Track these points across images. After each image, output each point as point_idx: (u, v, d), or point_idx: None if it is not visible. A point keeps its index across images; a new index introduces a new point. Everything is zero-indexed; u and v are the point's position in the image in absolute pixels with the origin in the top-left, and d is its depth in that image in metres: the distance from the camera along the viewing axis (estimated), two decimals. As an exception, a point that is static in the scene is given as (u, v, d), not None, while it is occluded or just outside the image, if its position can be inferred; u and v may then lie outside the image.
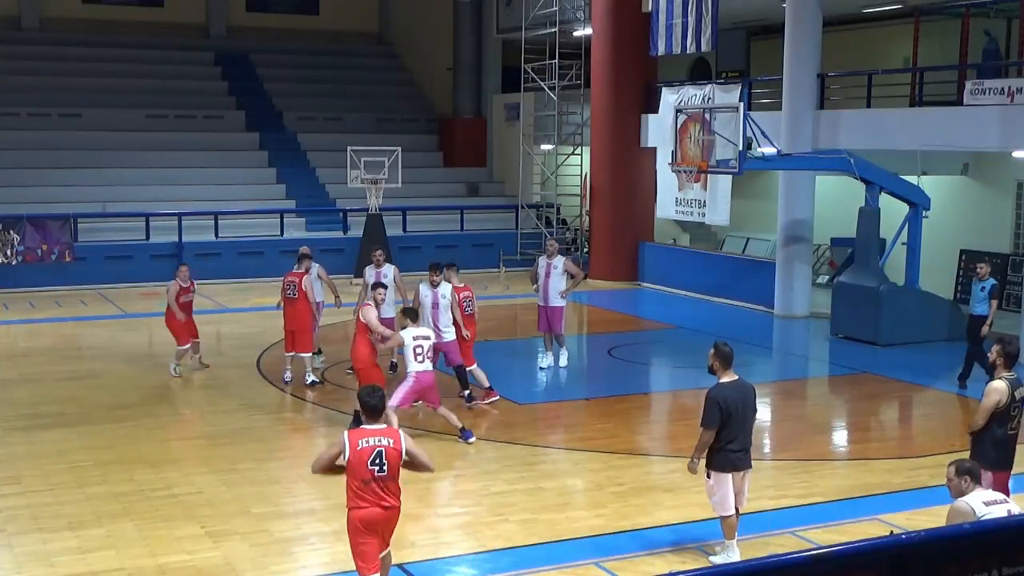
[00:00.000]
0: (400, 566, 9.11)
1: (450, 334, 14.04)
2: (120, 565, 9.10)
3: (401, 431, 7.96)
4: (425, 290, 14.24)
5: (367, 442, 7.52)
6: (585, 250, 28.14)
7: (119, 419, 13.64)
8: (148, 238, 26.14)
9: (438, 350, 13.44)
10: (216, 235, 26.70)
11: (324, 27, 36.08)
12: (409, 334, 12.26)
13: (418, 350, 12.22)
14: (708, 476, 9.08)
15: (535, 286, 16.69)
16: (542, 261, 16.66)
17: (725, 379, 9.04)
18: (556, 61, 28.16)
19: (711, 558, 9.20)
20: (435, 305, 14.04)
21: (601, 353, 19.39)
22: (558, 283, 16.36)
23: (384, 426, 7.87)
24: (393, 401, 11.84)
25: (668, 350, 19.46)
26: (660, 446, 13.22)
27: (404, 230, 28.21)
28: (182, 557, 9.30)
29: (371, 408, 7.76)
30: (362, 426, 7.89)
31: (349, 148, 26.58)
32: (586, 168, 28.22)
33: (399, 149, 26.73)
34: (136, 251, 25.81)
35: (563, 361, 16.97)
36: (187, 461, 11.98)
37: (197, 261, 25.67)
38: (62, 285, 24.61)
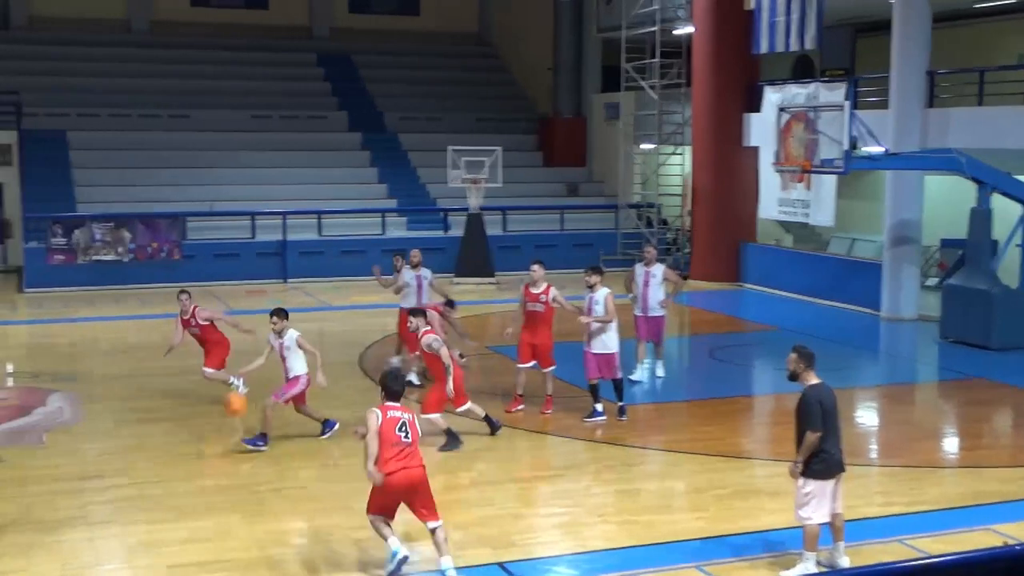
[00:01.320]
0: (500, 564, 9.12)
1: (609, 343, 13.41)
2: (226, 556, 9.26)
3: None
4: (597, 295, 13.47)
5: (393, 414, 8.83)
6: (686, 250, 27.88)
7: (225, 413, 13.87)
8: (254, 236, 26.62)
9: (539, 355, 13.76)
10: (319, 234, 27.08)
11: (425, 28, 36.34)
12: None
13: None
14: (804, 484, 8.82)
15: (632, 295, 16.18)
16: (639, 269, 16.11)
17: (813, 381, 8.85)
18: (657, 60, 27.97)
19: (782, 573, 8.96)
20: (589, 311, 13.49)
21: (702, 355, 19.19)
22: (657, 292, 15.88)
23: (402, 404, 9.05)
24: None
25: (771, 352, 19.14)
26: (763, 449, 13.03)
27: (504, 230, 28.27)
28: (285, 550, 9.43)
29: (393, 393, 9.00)
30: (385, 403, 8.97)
31: (450, 148, 26.74)
32: (687, 168, 27.97)
33: (499, 149, 26.80)
34: (242, 249, 26.31)
35: (660, 371, 16.50)
36: (291, 456, 12.14)
37: (300, 259, 26.20)
38: (171, 282, 25.13)
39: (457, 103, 33.27)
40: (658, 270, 15.99)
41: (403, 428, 8.79)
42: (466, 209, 26.66)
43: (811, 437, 8.68)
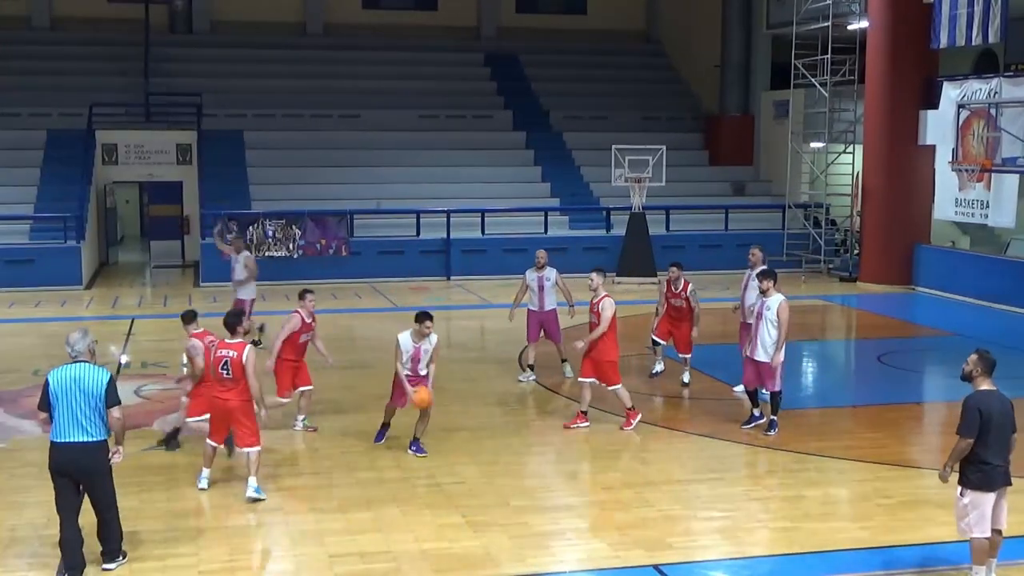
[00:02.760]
0: (656, 567, 9.02)
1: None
2: (386, 548, 9.41)
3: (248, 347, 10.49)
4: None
5: (221, 352, 10.56)
6: (856, 252, 27.11)
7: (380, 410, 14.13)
8: (418, 234, 27.07)
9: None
10: (482, 232, 27.34)
11: (592, 26, 36.32)
12: None
13: None
14: (961, 495, 8.43)
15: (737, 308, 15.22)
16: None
17: (984, 387, 8.44)
18: (829, 56, 27.29)
19: None
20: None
21: (870, 359, 18.60)
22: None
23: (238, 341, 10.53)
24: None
25: (944, 358, 18.40)
26: (932, 459, 12.49)
27: (667, 229, 28.01)
28: (444, 544, 9.53)
29: (229, 326, 10.75)
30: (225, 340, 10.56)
31: (614, 147, 26.64)
32: (858, 167, 27.18)
33: (664, 148, 26.56)
34: (407, 246, 26.79)
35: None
36: (451, 452, 12.27)
37: (463, 257, 26.51)
38: (338, 278, 25.84)
39: (622, 101, 33.14)
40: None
41: (225, 366, 10.47)
42: (629, 208, 26.51)
43: (960, 444, 8.32)
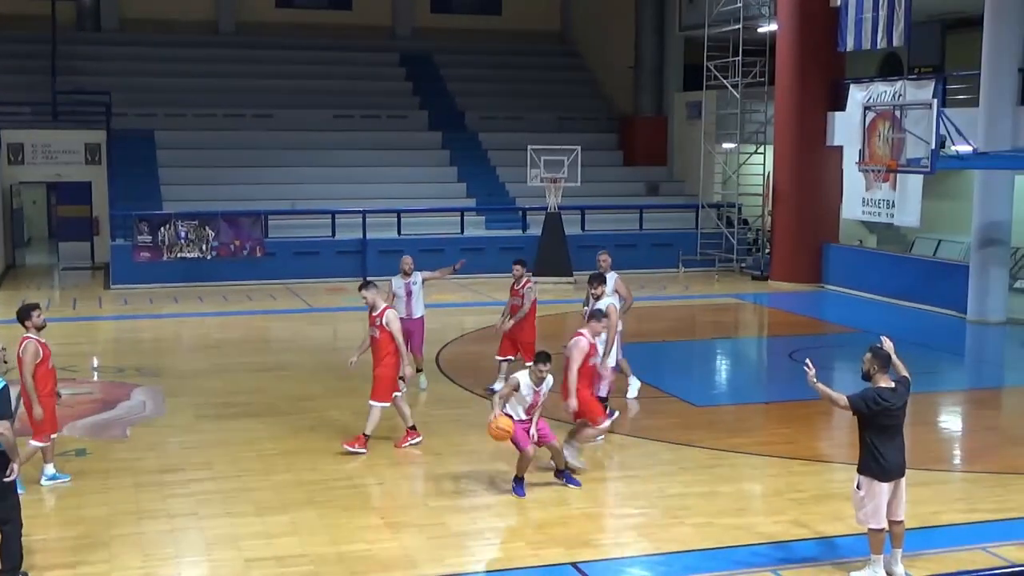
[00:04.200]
0: (574, 564, 9.09)
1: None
2: (303, 551, 9.34)
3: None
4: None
5: None
6: (767, 251, 27.57)
7: (304, 410, 14.05)
8: (334, 235, 26.89)
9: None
10: (399, 232, 27.25)
11: (506, 27, 36.41)
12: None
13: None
14: (858, 486, 8.68)
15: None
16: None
17: (883, 384, 8.66)
18: (740, 58, 27.70)
19: (852, 574, 8.80)
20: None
21: (781, 356, 18.93)
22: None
23: None
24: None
25: (852, 355, 18.68)
26: (842, 453, 12.76)
27: (583, 229, 28.19)
28: (362, 546, 9.49)
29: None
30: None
31: (529, 147, 26.74)
32: (769, 167, 27.65)
33: (579, 148, 26.74)
34: (323, 247, 26.59)
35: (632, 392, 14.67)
36: (368, 453, 12.21)
37: (380, 258, 26.39)
38: (253, 279, 25.55)
39: (537, 102, 33.28)
40: (609, 280, 14.13)
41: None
42: (545, 208, 26.64)
43: (840, 402, 8.67)
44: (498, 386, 13.89)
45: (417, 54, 34.72)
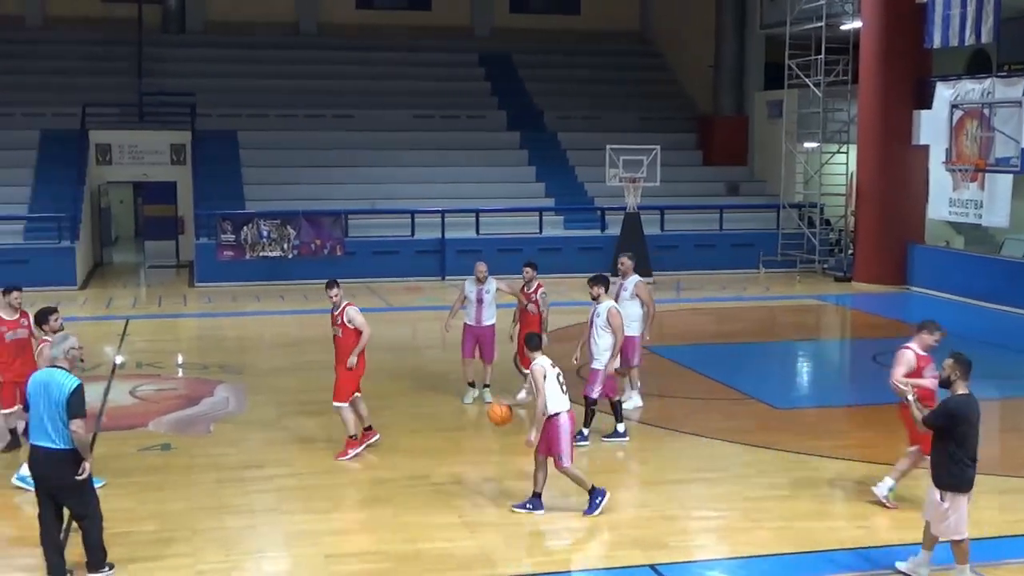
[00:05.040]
0: (652, 567, 9.02)
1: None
2: (381, 548, 9.40)
3: None
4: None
5: None
6: (850, 251, 27.15)
7: (382, 408, 14.09)
8: (413, 234, 27.05)
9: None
10: (477, 232, 27.32)
11: (585, 27, 36.31)
12: (547, 362, 10.28)
13: (560, 378, 10.25)
14: (941, 498, 8.46)
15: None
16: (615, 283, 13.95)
17: (961, 391, 8.49)
18: (822, 56, 27.31)
19: None
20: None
21: (865, 359, 18.61)
22: (629, 308, 13.55)
23: None
24: (566, 462, 10.12)
25: (938, 358, 18.39)
26: (926, 460, 12.53)
27: (662, 229, 28.02)
28: (439, 544, 9.52)
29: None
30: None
31: (608, 147, 26.66)
32: (852, 166, 27.23)
33: (658, 148, 26.59)
34: (402, 247, 26.76)
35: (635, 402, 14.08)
36: (445, 451, 12.26)
37: (458, 257, 26.50)
38: (333, 278, 25.73)
39: (616, 102, 33.15)
40: (630, 283, 13.93)
41: None
42: (624, 208, 26.54)
43: (919, 426, 8.62)
44: (522, 395, 13.83)
45: (496, 54, 34.79)
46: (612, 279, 13.49)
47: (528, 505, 10.17)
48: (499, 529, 9.85)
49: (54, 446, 8.31)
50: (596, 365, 12.33)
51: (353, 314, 12.00)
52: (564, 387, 10.16)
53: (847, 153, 27.96)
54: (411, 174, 29.32)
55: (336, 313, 12.12)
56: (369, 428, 12.26)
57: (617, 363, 12.53)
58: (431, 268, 26.52)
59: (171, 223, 29.55)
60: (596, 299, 12.44)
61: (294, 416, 13.81)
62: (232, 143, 29.37)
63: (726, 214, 28.73)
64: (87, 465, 8.46)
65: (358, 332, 11.98)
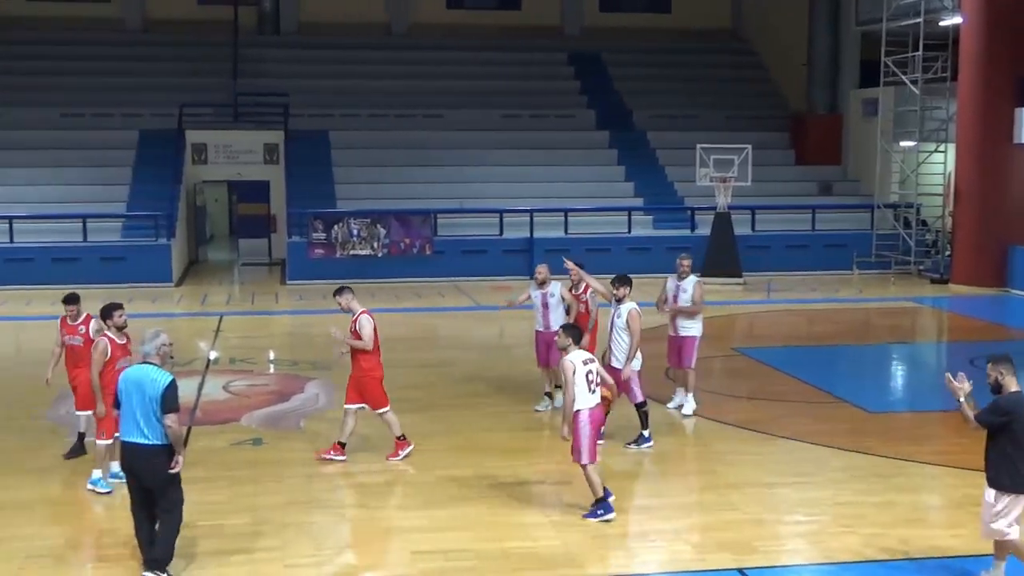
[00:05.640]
0: (741, 571, 8.90)
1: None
2: (467, 546, 9.41)
3: None
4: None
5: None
6: (947, 253, 26.54)
7: (470, 407, 14.18)
8: (501, 233, 27.11)
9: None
10: (566, 232, 27.29)
11: (676, 25, 36.05)
12: (578, 357, 10.09)
13: (590, 376, 10.07)
14: (996, 499, 8.26)
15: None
16: (671, 283, 13.69)
17: (1014, 389, 8.29)
18: (920, 53, 26.74)
19: None
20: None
21: (962, 363, 18.12)
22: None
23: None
24: (583, 459, 9.96)
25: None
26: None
27: (753, 229, 27.70)
28: (526, 543, 9.50)
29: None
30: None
31: (698, 146, 26.42)
32: (950, 166, 26.61)
33: (749, 147, 26.28)
34: (490, 246, 26.84)
35: (687, 408, 13.76)
36: (533, 450, 12.25)
37: (546, 256, 26.45)
38: (422, 277, 25.99)
39: (707, 100, 32.86)
40: (689, 284, 13.56)
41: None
42: (714, 208, 26.28)
43: (971, 423, 8.33)
44: (541, 407, 13.74)
45: (585, 53, 34.70)
46: (677, 278, 13.47)
47: (599, 512, 9.99)
48: (585, 530, 9.80)
49: (146, 442, 8.39)
50: (617, 365, 12.16)
51: (364, 322, 11.80)
52: (594, 385, 10.00)
53: (945, 152, 27.35)
54: (500, 173, 29.39)
55: (352, 319, 11.94)
56: (340, 444, 11.89)
57: (637, 365, 12.25)
58: (519, 267, 26.50)
59: (264, 221, 30.04)
60: (620, 300, 12.29)
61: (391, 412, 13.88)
62: (324, 143, 29.73)
63: (819, 214, 28.29)
64: (180, 459, 8.58)
65: (371, 340, 11.78)
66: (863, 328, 21.30)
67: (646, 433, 12.33)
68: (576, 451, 9.95)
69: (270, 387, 15.42)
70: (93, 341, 11.04)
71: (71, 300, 11.77)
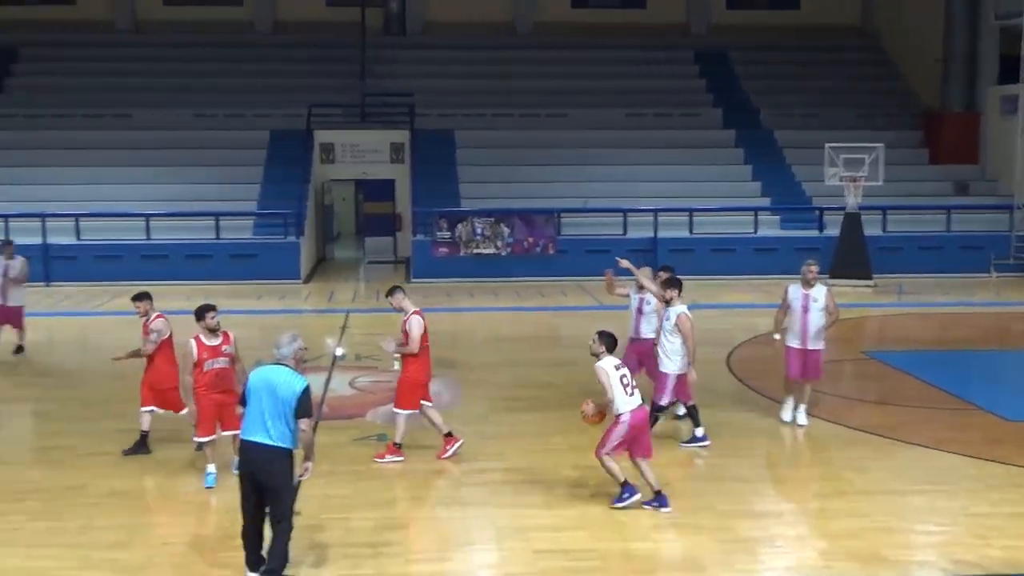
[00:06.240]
0: (870, 581, 8.69)
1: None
2: (590, 546, 9.37)
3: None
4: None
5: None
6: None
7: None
8: (625, 233, 26.98)
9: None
10: (690, 231, 27.03)
11: (805, 21, 35.40)
12: (610, 364, 10.23)
13: (624, 380, 10.21)
14: None
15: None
16: (795, 291, 13.03)
17: None
18: (1063, 48, 25.76)
19: None
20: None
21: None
22: (818, 320, 12.90)
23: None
24: (604, 451, 10.17)
25: None
26: None
27: (884, 230, 27.04)
28: (649, 545, 9.42)
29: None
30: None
31: (827, 145, 25.88)
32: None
33: (881, 146, 25.65)
34: (614, 245, 26.61)
35: (802, 419, 13.18)
36: (656, 452, 12.11)
37: (671, 256, 26.25)
38: (544, 276, 26.00)
39: (836, 98, 32.20)
40: (820, 293, 12.92)
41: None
42: (843, 208, 25.71)
43: None
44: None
45: (712, 51, 34.32)
46: (804, 285, 12.80)
47: (624, 495, 10.17)
48: (710, 533, 9.68)
49: (270, 442, 8.31)
50: (663, 368, 12.04)
51: (414, 323, 11.73)
52: (631, 388, 10.16)
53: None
54: (624, 172, 29.24)
55: (403, 320, 11.87)
56: (450, 434, 11.97)
57: (680, 368, 12.08)
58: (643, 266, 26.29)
59: (389, 220, 30.44)
60: (668, 302, 12.15)
61: (505, 411, 13.95)
62: (449, 142, 29.99)
63: (954, 215, 27.48)
64: (310, 466, 8.56)
65: (417, 342, 11.70)
66: (1001, 332, 20.58)
67: (699, 432, 12.29)
68: (602, 443, 10.20)
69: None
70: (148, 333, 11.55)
71: (140, 297, 12.07)
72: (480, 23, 34.74)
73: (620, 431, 10.12)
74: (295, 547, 8.74)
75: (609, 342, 10.29)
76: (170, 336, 11.95)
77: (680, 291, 12.25)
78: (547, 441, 12.45)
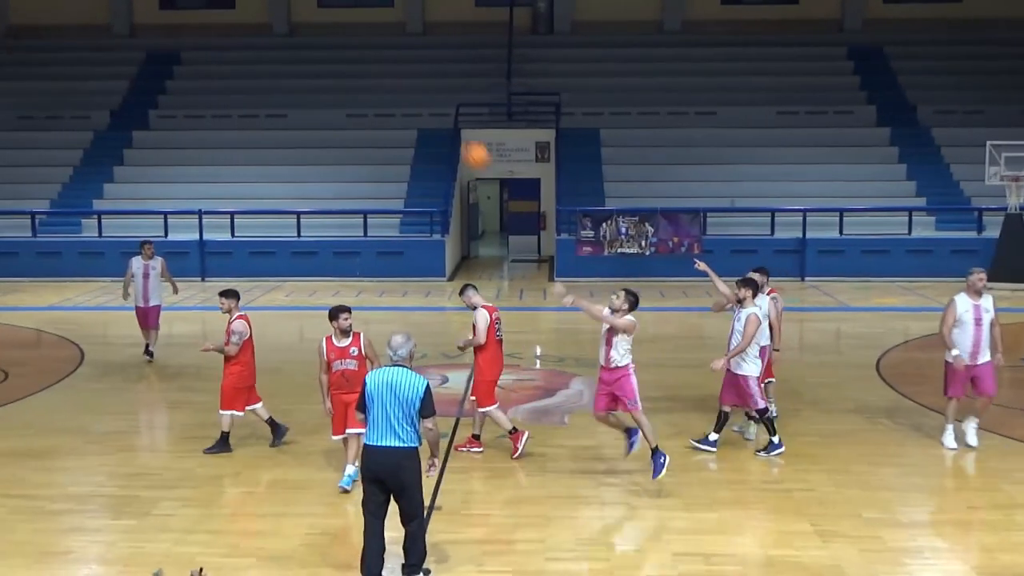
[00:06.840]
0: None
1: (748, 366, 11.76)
2: (730, 551, 9.20)
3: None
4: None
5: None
6: None
7: (737, 410, 13.84)
8: (772, 233, 26.49)
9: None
10: (840, 232, 26.37)
11: (967, 15, 34.17)
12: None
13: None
14: None
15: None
16: (966, 302, 11.98)
17: None
18: None
19: None
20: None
21: None
22: (988, 332, 11.98)
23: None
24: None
25: None
26: None
27: (1047, 232, 25.85)
28: (790, 552, 9.20)
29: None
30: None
31: (989, 143, 24.88)
32: None
33: (1048, 144, 24.57)
34: (761, 245, 26.24)
35: (972, 438, 12.19)
36: (800, 457, 11.85)
37: (819, 258, 25.72)
38: (689, 276, 25.61)
39: (999, 94, 30.99)
40: (990, 302, 12.01)
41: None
42: (1005, 208, 24.71)
43: None
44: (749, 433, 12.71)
45: (866, 47, 33.41)
46: (972, 295, 11.93)
47: (661, 461, 10.65)
48: (854, 541, 9.39)
49: (400, 444, 8.30)
50: (742, 371, 11.72)
51: (478, 317, 11.79)
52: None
53: None
54: (773, 171, 28.72)
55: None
56: (514, 430, 11.95)
57: (756, 371, 11.79)
58: (790, 268, 25.82)
59: (534, 219, 30.54)
60: (741, 302, 11.87)
61: (645, 412, 13.78)
62: (594, 141, 29.93)
63: None
64: (437, 461, 8.62)
65: (483, 335, 11.75)
66: None
67: (775, 439, 11.82)
68: (629, 401, 11.08)
69: (536, 382, 15.63)
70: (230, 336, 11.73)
71: (227, 294, 12.09)
72: (627, 21, 34.58)
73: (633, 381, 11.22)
74: (432, 542, 8.81)
75: (633, 300, 11.47)
76: (250, 336, 12.09)
77: (756, 292, 12.00)
78: (687, 443, 12.28)
